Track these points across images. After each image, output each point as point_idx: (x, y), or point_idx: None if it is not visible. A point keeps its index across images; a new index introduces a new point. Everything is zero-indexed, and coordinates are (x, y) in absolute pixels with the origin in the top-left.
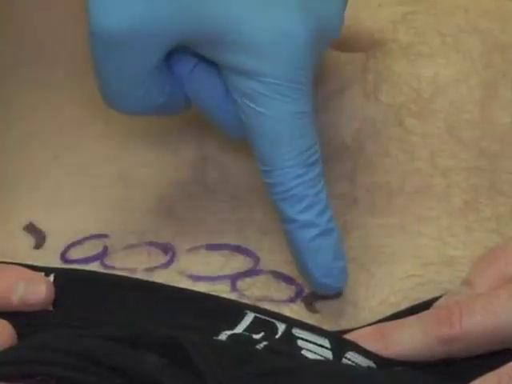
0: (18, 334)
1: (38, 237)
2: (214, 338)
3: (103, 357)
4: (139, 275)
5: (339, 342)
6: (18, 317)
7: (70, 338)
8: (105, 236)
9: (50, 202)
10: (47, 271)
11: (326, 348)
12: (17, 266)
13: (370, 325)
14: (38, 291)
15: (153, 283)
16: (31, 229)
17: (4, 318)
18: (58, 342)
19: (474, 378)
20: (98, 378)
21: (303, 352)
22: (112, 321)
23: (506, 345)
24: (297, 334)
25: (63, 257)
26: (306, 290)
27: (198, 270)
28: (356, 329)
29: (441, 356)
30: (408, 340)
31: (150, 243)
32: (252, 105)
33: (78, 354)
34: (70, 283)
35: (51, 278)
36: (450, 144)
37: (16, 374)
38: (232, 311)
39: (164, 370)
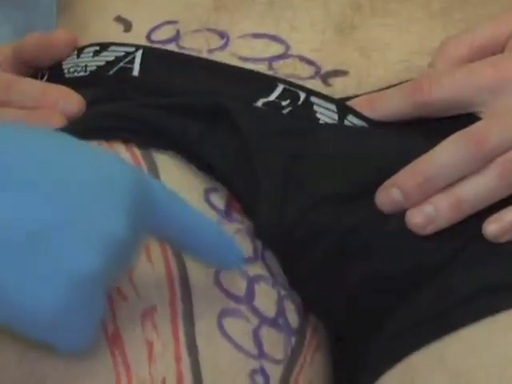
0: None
1: (126, 24)
2: (253, 104)
3: (160, 125)
4: (204, 55)
5: (343, 107)
6: (91, 88)
7: (132, 108)
8: (176, 22)
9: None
10: (137, 47)
11: (333, 111)
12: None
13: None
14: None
15: (212, 62)
16: (120, 19)
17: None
18: (123, 111)
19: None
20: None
21: (317, 115)
22: (176, 90)
23: (468, 109)
24: (313, 101)
25: (148, 37)
26: (323, 69)
27: (245, 53)
28: (356, 96)
29: (415, 117)
30: (390, 104)
31: (210, 29)
32: None
33: (138, 120)
34: (154, 57)
35: (140, 52)
36: None
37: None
38: (268, 82)
39: (204, 137)
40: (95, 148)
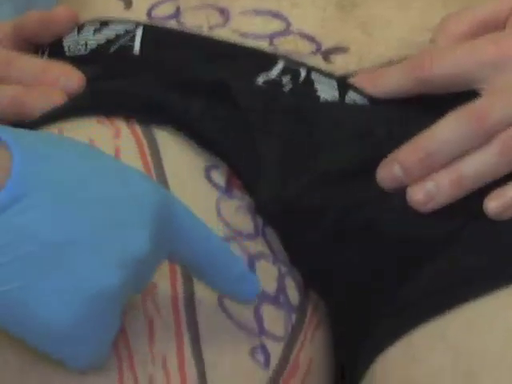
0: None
1: (126, 1)
2: (254, 80)
3: (161, 102)
4: (204, 32)
5: (344, 84)
6: (92, 66)
7: (133, 85)
8: None
9: None
10: (137, 25)
11: (334, 88)
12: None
13: None
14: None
15: (212, 39)
16: None
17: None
18: (124, 88)
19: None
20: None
21: (318, 92)
22: (177, 67)
23: (469, 86)
24: (314, 78)
25: (149, 14)
26: (324, 46)
27: (246, 29)
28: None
29: (416, 94)
30: (391, 81)
31: (211, 6)
32: None
33: (139, 97)
34: (154, 35)
35: (140, 30)
36: None
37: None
38: (268, 58)
39: (205, 114)
40: (122, 164)
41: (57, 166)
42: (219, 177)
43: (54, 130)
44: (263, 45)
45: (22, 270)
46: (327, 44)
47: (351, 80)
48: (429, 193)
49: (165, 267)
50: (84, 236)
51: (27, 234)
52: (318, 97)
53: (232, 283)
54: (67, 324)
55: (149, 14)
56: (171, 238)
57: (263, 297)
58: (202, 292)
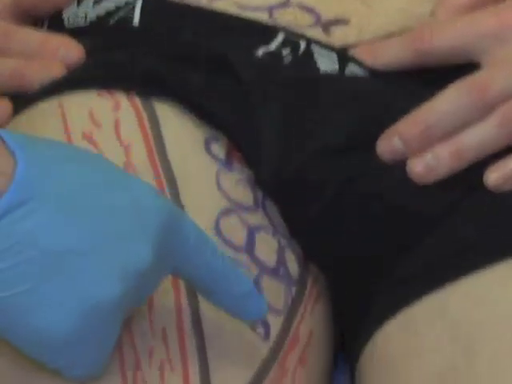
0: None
1: None
2: (254, 52)
3: (161, 75)
4: (204, 3)
5: (344, 56)
6: (91, 38)
7: (133, 57)
8: None
9: None
10: None
11: (334, 61)
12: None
13: None
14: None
15: (212, 11)
16: None
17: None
18: (124, 60)
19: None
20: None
21: (318, 64)
22: (177, 39)
23: (469, 58)
24: (314, 50)
25: None
26: (324, 18)
27: (245, 1)
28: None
29: (416, 66)
30: (391, 53)
31: None
32: None
33: (139, 70)
34: (154, 7)
35: (140, 1)
36: None
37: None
38: (268, 31)
39: (205, 86)
40: (129, 175)
41: (61, 174)
42: (219, 149)
43: (53, 102)
44: (263, 17)
45: (23, 275)
46: (327, 16)
47: (351, 52)
48: (429, 165)
49: None
50: (85, 245)
51: (28, 240)
52: (318, 69)
53: (237, 301)
54: (65, 332)
55: None
56: (176, 252)
57: (263, 269)
58: None
